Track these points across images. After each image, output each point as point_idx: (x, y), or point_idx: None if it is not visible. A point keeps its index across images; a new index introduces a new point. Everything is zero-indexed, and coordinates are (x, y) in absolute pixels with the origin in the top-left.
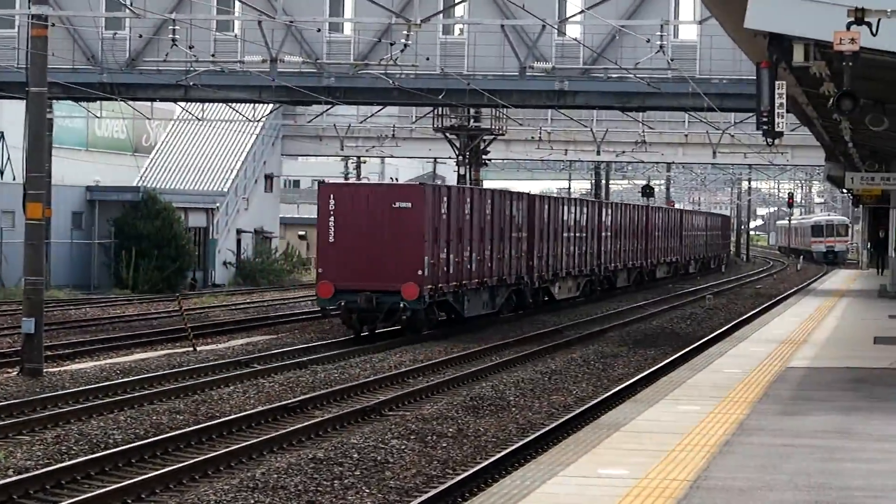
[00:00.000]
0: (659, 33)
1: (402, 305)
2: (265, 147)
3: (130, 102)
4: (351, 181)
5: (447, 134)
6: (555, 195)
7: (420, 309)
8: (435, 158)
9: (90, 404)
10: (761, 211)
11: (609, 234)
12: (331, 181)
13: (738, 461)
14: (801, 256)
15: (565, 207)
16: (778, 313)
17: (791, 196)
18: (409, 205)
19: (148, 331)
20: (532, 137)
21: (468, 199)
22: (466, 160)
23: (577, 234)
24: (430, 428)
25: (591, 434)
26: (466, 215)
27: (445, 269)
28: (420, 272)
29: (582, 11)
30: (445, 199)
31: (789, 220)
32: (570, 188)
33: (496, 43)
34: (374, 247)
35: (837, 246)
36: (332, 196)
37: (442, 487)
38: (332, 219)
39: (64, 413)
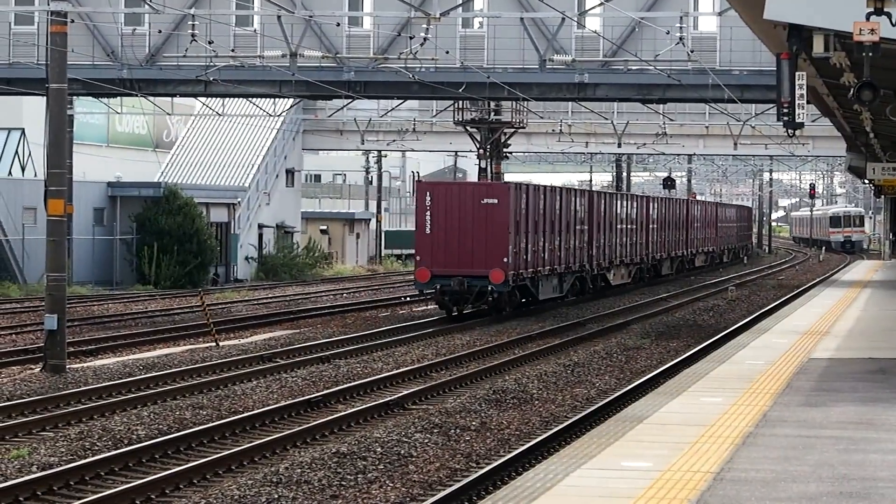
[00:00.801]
0: (679, 25)
1: (489, 288)
2: (286, 142)
3: (151, 98)
4: (445, 180)
5: (468, 127)
6: (610, 191)
7: (505, 292)
8: (456, 152)
9: (113, 400)
10: (783, 202)
11: (655, 226)
12: (427, 180)
13: (761, 453)
14: (824, 247)
15: (618, 202)
16: (800, 304)
17: (813, 187)
18: (496, 201)
19: (170, 326)
20: (553, 130)
21: (542, 196)
22: (487, 153)
23: (629, 227)
24: (454, 421)
25: (613, 427)
26: (541, 210)
27: (524, 257)
28: (505, 259)
29: (601, 4)
30: (524, 196)
31: (811, 211)
32: (591, 181)
33: (516, 36)
34: (465, 237)
35: (854, 236)
36: (428, 193)
37: (465, 481)
38: (428, 213)
39: (87, 409)
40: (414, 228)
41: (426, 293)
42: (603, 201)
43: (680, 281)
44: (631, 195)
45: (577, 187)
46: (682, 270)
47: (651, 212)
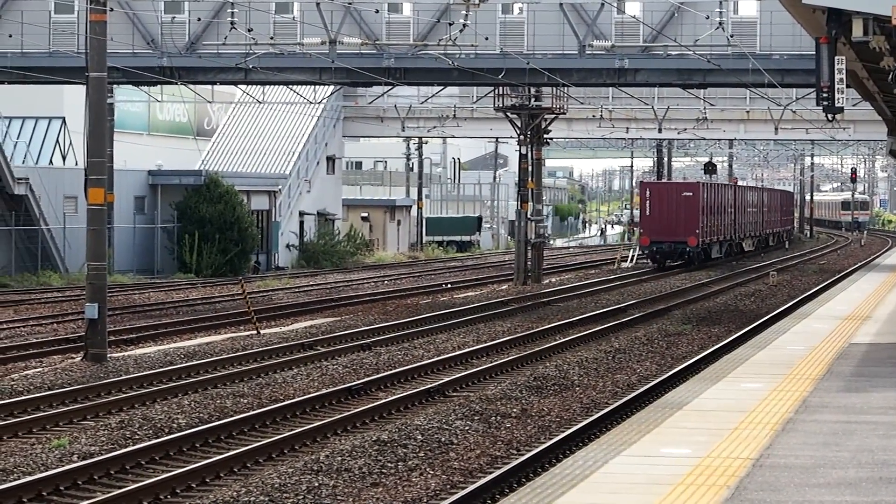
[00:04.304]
0: (718, 10)
1: (687, 249)
2: (326, 129)
3: (191, 86)
4: (658, 181)
5: (508, 113)
6: (743, 184)
7: (696, 252)
8: (496, 138)
9: (154, 389)
10: (825, 187)
11: (766, 209)
12: (646, 180)
13: (801, 439)
14: (865, 231)
15: (746, 192)
16: (841, 289)
17: (854, 171)
18: (691, 193)
19: (211, 314)
20: (593, 116)
21: (713, 190)
22: (528, 139)
23: (753, 210)
24: (494, 408)
25: (654, 413)
26: (713, 200)
27: (706, 230)
28: (697, 231)
29: None
30: (705, 190)
31: (852, 194)
32: (632, 166)
33: (555, 21)
34: (671, 216)
35: (861, 218)
36: (647, 189)
37: (506, 468)
38: (648, 202)
39: (128, 398)
40: (456, 214)
41: (645, 253)
42: (739, 191)
43: (780, 251)
44: (753, 187)
45: (726, 183)
46: (778, 243)
47: (764, 199)
